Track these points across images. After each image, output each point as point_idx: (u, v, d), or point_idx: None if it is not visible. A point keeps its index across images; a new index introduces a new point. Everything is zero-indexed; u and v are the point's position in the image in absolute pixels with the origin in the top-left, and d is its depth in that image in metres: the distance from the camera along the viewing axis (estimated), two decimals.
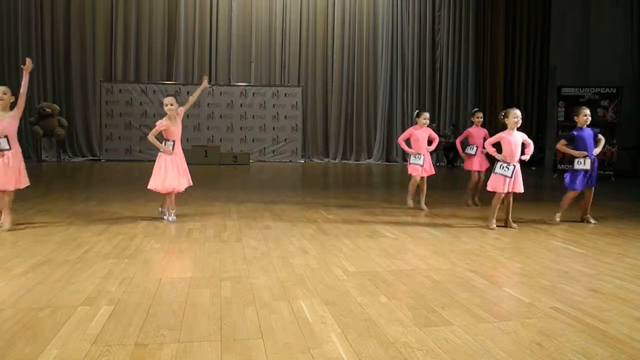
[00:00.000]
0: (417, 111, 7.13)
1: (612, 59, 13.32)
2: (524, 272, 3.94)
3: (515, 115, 5.59)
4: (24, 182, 5.20)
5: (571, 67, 13.91)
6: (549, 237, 5.30)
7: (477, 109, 7.85)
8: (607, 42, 13.31)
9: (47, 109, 13.69)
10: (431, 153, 6.97)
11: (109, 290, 3.26)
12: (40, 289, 3.26)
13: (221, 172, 12.22)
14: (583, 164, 5.90)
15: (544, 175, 13.13)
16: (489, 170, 6.13)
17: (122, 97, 15.21)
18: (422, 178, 6.87)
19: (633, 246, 4.92)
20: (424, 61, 16.99)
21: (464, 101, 16.74)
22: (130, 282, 3.42)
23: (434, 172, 6.99)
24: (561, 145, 6.13)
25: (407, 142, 6.97)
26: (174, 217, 5.72)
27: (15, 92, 5.12)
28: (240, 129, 15.94)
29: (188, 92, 14.29)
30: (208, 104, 15.63)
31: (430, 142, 6.95)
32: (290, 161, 16.06)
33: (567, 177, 6.01)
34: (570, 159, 6.13)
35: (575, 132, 6.00)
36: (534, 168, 13.63)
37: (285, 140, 16.19)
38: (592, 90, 12.80)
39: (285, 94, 16.21)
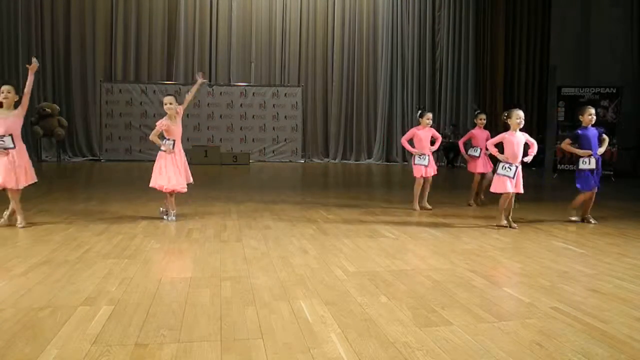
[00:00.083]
0: (420, 111, 7.11)
1: (612, 59, 13.32)
2: (524, 272, 3.94)
3: (518, 116, 5.60)
4: (31, 178, 5.26)
5: (571, 67, 13.91)
6: (549, 237, 5.30)
7: (479, 111, 7.87)
8: (607, 42, 13.31)
9: (47, 109, 13.69)
10: (433, 153, 6.98)
11: (109, 290, 3.26)
12: (40, 289, 3.26)
13: (221, 172, 12.22)
14: (588, 163, 5.90)
15: (544, 175, 13.13)
16: (494, 172, 6.14)
17: (122, 97, 15.21)
18: (426, 178, 6.88)
19: (633, 246, 4.92)
20: (424, 61, 16.99)
21: (464, 101, 16.73)
22: (130, 282, 3.42)
23: (436, 172, 6.97)
24: (566, 145, 6.11)
25: (410, 142, 6.96)
26: (174, 217, 5.73)
27: (18, 91, 5.16)
28: (240, 129, 15.94)
29: (188, 93, 14.29)
30: (208, 104, 15.64)
31: (433, 142, 6.95)
32: (290, 161, 16.06)
33: (577, 180, 6.02)
34: (573, 159, 6.14)
35: (580, 131, 6.00)
36: (534, 168, 13.62)
37: (285, 140, 16.19)
38: (592, 90, 12.80)
39: (285, 94, 16.22)
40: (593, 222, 6.07)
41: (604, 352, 2.48)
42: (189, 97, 5.87)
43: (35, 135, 13.69)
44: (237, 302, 3.09)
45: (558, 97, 13.19)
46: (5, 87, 5.14)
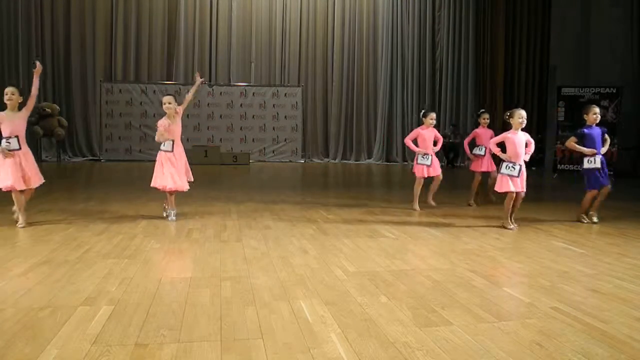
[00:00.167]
0: (423, 111, 7.12)
1: (612, 59, 13.32)
2: (524, 272, 3.94)
3: (520, 116, 5.61)
4: (39, 179, 5.33)
5: (571, 67, 13.92)
6: (549, 237, 5.30)
7: (483, 110, 7.88)
8: (607, 42, 13.31)
9: (47, 109, 13.68)
10: (435, 154, 6.98)
11: (109, 290, 3.26)
12: (40, 289, 3.26)
13: (221, 172, 12.22)
14: (593, 162, 5.91)
15: (544, 175, 13.13)
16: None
17: (122, 97, 15.20)
18: (435, 177, 6.88)
19: (633, 246, 4.92)
20: (424, 61, 16.98)
21: (464, 101, 16.73)
22: (130, 282, 3.42)
23: (437, 173, 6.94)
24: (571, 143, 6.10)
25: (414, 142, 6.96)
26: (174, 217, 5.74)
27: (22, 93, 5.21)
28: (240, 129, 15.94)
29: (188, 92, 14.30)
30: (208, 104, 15.64)
31: (435, 143, 6.95)
32: (290, 161, 16.06)
33: (586, 180, 6.05)
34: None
35: (585, 130, 6.01)
36: (534, 168, 13.63)
37: (285, 140, 16.19)
38: (592, 90, 12.80)
39: (285, 94, 16.21)
40: (595, 220, 6.06)
41: (604, 352, 2.48)
42: (188, 97, 5.88)
43: (35, 135, 13.67)
44: (237, 302, 3.09)
45: (558, 97, 13.20)
46: (9, 89, 5.16)
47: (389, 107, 16.89)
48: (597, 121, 6.00)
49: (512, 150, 5.59)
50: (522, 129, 5.67)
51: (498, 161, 5.97)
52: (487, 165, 7.35)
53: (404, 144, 16.88)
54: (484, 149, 7.29)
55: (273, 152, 16.12)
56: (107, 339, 2.51)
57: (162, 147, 5.67)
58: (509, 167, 5.56)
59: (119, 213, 6.15)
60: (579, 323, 2.85)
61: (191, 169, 5.91)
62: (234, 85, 15.98)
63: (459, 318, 2.89)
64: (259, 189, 9.23)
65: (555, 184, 11.41)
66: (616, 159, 12.32)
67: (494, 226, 5.78)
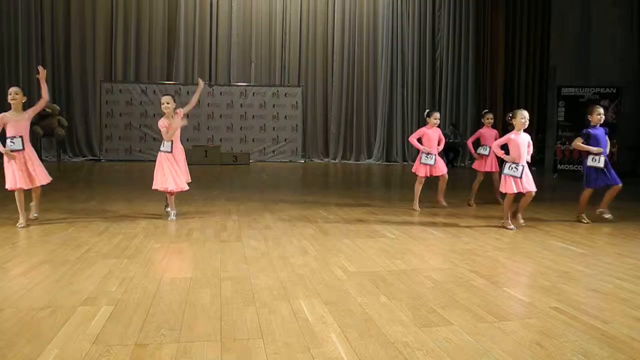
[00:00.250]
0: (427, 111, 7.12)
1: (612, 59, 13.31)
2: (524, 272, 3.94)
3: (523, 116, 5.62)
4: (46, 178, 5.41)
5: (571, 67, 13.90)
6: (549, 237, 5.30)
7: (487, 110, 7.91)
8: (607, 42, 13.30)
9: (47, 109, 13.65)
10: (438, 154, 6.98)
11: (109, 290, 3.26)
12: (40, 289, 3.26)
13: (221, 172, 12.22)
14: (598, 161, 5.93)
15: (544, 175, 13.13)
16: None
17: (122, 97, 15.19)
18: (441, 177, 6.88)
19: (633, 246, 4.92)
20: (424, 61, 16.98)
21: (464, 101, 16.72)
22: (130, 282, 3.42)
23: (442, 172, 6.92)
24: (578, 143, 6.10)
25: (418, 141, 6.95)
26: (174, 217, 5.74)
27: (26, 92, 5.29)
28: (240, 129, 15.93)
29: (188, 92, 14.30)
30: (208, 104, 15.61)
31: (438, 143, 6.95)
32: (290, 161, 16.06)
33: (585, 178, 6.09)
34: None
35: (591, 130, 6.03)
36: (534, 168, 13.61)
37: (285, 140, 16.18)
38: (592, 90, 12.79)
39: (285, 94, 16.21)
40: (606, 216, 6.07)
41: (604, 352, 2.48)
42: (192, 102, 5.90)
43: (35, 135, 13.67)
44: (237, 302, 3.09)
45: (558, 97, 13.19)
46: (13, 89, 5.20)
47: (389, 107, 16.88)
48: (601, 122, 6.03)
49: (515, 151, 5.60)
50: (524, 130, 5.68)
51: (501, 162, 5.98)
52: (490, 165, 7.36)
53: (404, 144, 17.06)
54: (488, 148, 7.31)
55: (273, 152, 16.11)
56: (107, 339, 2.51)
57: (161, 147, 5.68)
58: (511, 168, 5.58)
59: (119, 213, 6.15)
60: (579, 323, 2.85)
61: (191, 170, 5.91)
62: (234, 85, 15.97)
63: (459, 318, 2.89)
64: (259, 189, 9.23)
65: (556, 184, 11.41)
66: (616, 158, 12.31)
67: (494, 226, 5.78)
